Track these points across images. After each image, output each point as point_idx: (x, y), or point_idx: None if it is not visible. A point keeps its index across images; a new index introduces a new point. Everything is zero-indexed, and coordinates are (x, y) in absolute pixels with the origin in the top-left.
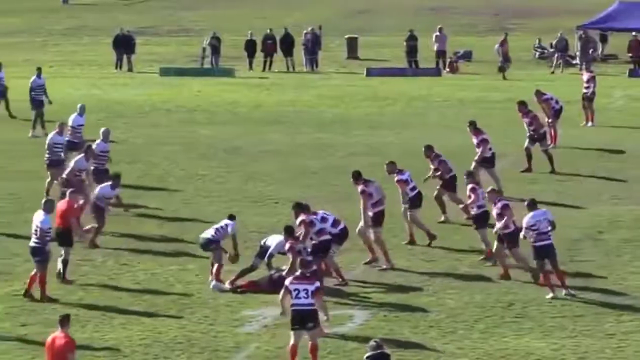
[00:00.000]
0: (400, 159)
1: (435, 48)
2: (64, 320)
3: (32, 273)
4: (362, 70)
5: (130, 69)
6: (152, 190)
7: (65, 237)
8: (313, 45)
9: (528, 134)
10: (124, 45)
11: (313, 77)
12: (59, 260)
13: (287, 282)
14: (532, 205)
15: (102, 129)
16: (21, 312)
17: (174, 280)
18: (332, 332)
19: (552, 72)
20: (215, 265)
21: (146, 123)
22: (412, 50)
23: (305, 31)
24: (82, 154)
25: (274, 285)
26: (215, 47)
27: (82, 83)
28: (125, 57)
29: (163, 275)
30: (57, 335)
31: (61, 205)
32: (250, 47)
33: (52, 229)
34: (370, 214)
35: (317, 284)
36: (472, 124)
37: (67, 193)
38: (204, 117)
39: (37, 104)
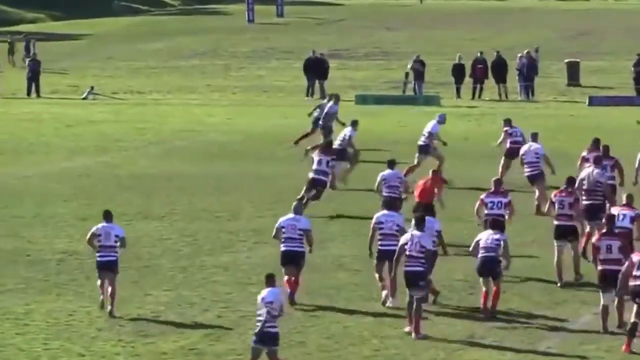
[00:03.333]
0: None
1: None
2: None
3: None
4: (584, 99)
5: (322, 97)
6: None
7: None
8: (529, 70)
9: None
10: (315, 69)
11: (528, 106)
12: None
13: None
14: None
15: None
16: None
17: (368, 335)
18: None
19: None
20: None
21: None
22: None
23: (520, 54)
24: None
25: None
26: (419, 71)
27: (268, 112)
28: (317, 82)
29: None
30: None
31: None
32: (458, 72)
33: None
34: None
35: None
36: None
37: None
38: (407, 151)
39: (327, 130)
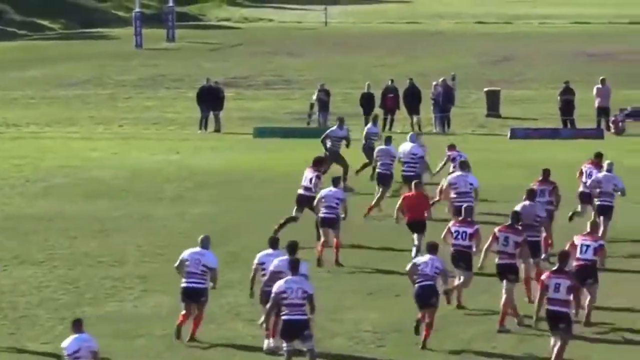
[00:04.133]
0: None
1: (596, 104)
2: None
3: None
4: (505, 132)
5: (217, 129)
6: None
7: None
8: (444, 100)
9: None
10: (210, 99)
11: (444, 139)
12: None
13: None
14: None
15: None
16: None
17: None
18: None
19: None
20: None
21: (237, 195)
22: (567, 107)
23: (435, 82)
24: None
25: None
26: (323, 101)
27: (158, 146)
28: (211, 114)
29: None
30: None
31: None
32: (366, 101)
33: None
34: None
35: None
36: None
37: None
38: None
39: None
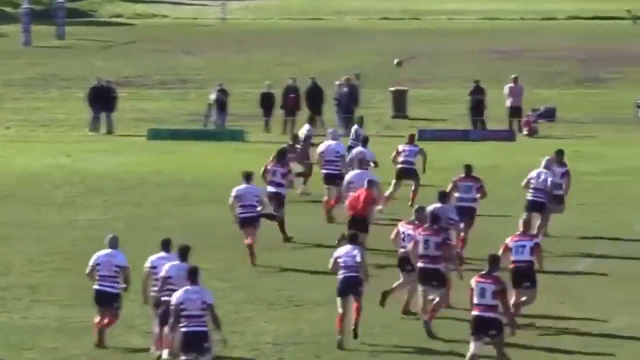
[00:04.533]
0: None
1: (508, 104)
2: None
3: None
4: (413, 133)
5: (110, 131)
6: None
7: None
8: (348, 100)
9: None
10: (102, 99)
11: (347, 141)
12: None
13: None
14: None
15: None
16: None
17: None
18: None
19: None
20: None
21: (130, 200)
22: (477, 107)
23: (338, 81)
24: None
25: None
26: (221, 102)
27: (47, 149)
28: (104, 115)
29: None
30: None
31: None
32: (266, 102)
33: None
34: None
35: None
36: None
37: None
38: (206, 194)
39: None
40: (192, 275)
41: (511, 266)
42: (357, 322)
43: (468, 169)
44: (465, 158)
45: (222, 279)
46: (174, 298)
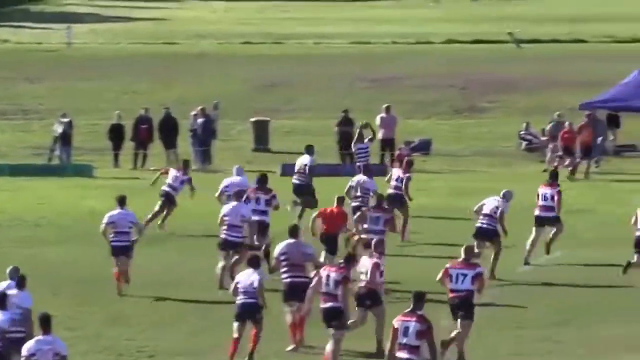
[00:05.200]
0: None
1: (380, 135)
2: None
3: None
4: (276, 168)
5: None
6: None
7: None
8: (205, 132)
9: None
10: None
11: (205, 177)
12: None
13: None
14: None
15: None
16: None
17: None
18: None
19: (545, 170)
20: None
21: None
22: (346, 140)
23: (193, 112)
24: None
25: None
26: (66, 134)
27: None
28: None
29: None
30: None
31: None
32: (116, 134)
33: None
34: None
35: None
36: None
37: None
38: (51, 234)
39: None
40: (44, 324)
41: (449, 296)
42: (253, 350)
43: (380, 199)
44: (334, 195)
45: (69, 328)
46: (25, 349)
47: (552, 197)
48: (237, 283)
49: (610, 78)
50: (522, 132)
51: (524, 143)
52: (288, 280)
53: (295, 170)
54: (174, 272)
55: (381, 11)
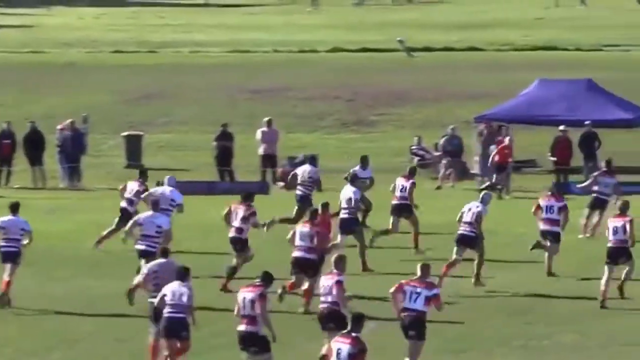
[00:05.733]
0: None
1: (260, 151)
2: None
3: None
4: (150, 185)
5: None
6: None
7: None
8: (74, 147)
9: None
10: None
11: (74, 195)
12: None
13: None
14: None
15: None
16: None
17: None
18: None
19: (439, 187)
20: None
21: None
22: (224, 155)
23: (60, 126)
24: None
25: None
26: None
27: None
28: None
29: None
30: None
31: None
32: None
33: None
34: None
35: None
36: None
37: None
38: None
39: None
40: None
41: (402, 314)
42: None
43: (313, 213)
44: (211, 214)
45: None
46: None
47: (558, 210)
48: (164, 295)
49: (508, 89)
50: (413, 147)
51: (416, 159)
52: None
53: (299, 182)
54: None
55: (260, 17)
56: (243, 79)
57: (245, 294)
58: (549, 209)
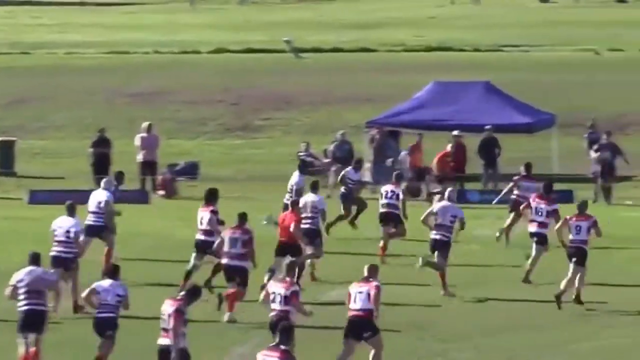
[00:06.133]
0: None
1: (140, 158)
2: None
3: None
4: (23, 195)
5: None
6: None
7: None
8: None
9: None
10: None
11: None
12: None
13: None
14: None
15: None
16: None
17: None
18: None
19: (329, 196)
20: None
21: None
22: (101, 162)
23: None
24: None
25: None
26: None
27: None
28: None
29: None
30: None
31: None
32: None
33: None
34: None
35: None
36: None
37: None
38: None
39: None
40: None
41: (348, 315)
42: None
43: (242, 217)
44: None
45: None
46: None
47: (547, 214)
48: (97, 291)
49: (401, 91)
50: (301, 154)
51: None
52: (25, 308)
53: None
54: None
55: (139, 16)
56: (122, 81)
57: (168, 307)
58: (538, 211)
